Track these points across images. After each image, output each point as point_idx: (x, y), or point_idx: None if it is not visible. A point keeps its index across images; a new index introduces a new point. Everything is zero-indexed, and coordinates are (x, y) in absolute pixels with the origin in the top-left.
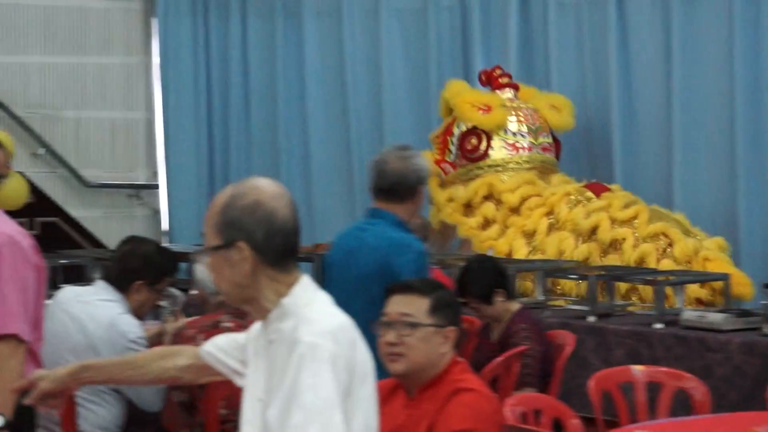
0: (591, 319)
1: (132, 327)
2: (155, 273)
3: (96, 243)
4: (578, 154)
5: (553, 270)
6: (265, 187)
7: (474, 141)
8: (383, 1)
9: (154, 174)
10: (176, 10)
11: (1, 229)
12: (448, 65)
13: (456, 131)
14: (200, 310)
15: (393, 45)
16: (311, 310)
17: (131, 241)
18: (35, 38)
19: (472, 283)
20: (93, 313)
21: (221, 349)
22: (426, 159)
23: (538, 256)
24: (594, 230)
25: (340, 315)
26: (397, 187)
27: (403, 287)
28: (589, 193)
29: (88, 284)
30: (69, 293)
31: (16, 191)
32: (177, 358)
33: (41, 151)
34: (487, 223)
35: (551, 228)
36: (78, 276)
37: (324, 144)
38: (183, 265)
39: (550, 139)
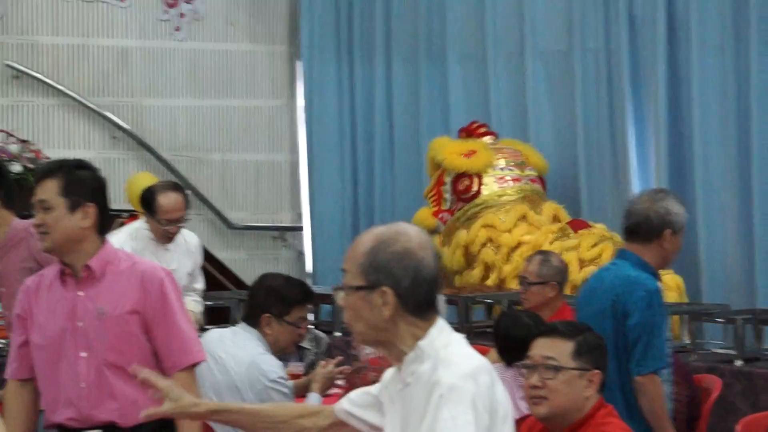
0: (738, 363)
1: (272, 367)
2: (281, 304)
3: (241, 285)
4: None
5: (700, 313)
6: (413, 235)
7: (466, 182)
8: (528, 44)
9: (299, 216)
10: (321, 53)
11: (152, 263)
12: (593, 107)
13: (447, 179)
14: (345, 353)
15: (538, 88)
16: (449, 352)
17: (261, 277)
18: (182, 82)
19: None
20: (235, 354)
21: (356, 404)
22: (681, 205)
23: None
24: None
25: (478, 356)
26: (638, 228)
27: (548, 330)
28: (569, 230)
29: (232, 326)
30: (213, 335)
31: None
32: (318, 418)
33: (187, 192)
34: (487, 270)
35: None
36: (223, 318)
37: None
38: (326, 308)
39: (535, 173)
